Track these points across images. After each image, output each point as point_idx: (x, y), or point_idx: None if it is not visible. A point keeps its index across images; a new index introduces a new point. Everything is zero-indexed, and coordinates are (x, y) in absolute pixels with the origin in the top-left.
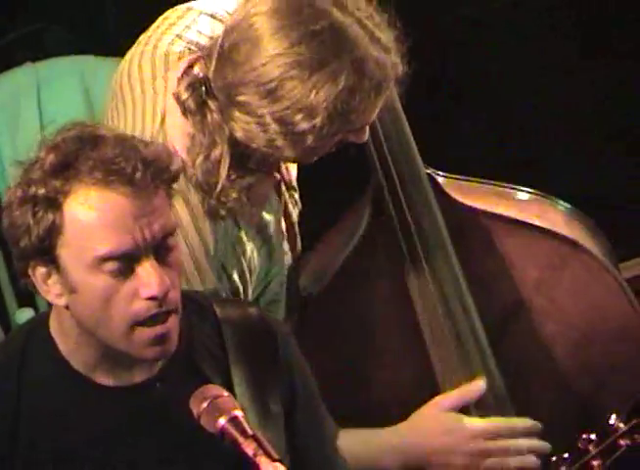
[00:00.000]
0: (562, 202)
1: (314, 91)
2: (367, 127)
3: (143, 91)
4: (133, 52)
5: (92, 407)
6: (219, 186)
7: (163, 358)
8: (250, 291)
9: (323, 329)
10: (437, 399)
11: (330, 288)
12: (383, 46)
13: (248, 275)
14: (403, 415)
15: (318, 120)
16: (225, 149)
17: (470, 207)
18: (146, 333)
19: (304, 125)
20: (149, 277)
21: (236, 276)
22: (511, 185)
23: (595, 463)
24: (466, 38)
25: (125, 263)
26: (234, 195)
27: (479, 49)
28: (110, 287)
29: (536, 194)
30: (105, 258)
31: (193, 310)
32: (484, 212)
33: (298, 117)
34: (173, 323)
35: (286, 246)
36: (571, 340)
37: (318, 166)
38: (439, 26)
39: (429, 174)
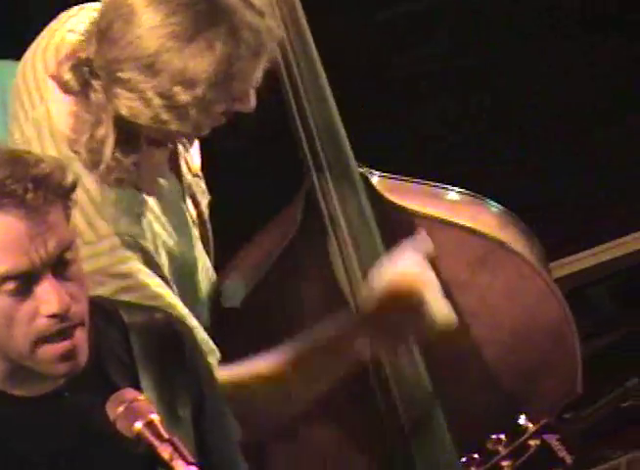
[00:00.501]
0: (494, 203)
1: (192, 62)
2: (253, 94)
3: (37, 88)
4: (27, 54)
5: (7, 419)
6: (103, 164)
7: (74, 373)
8: (163, 261)
9: (252, 328)
10: None
11: (260, 287)
12: (257, 11)
13: (160, 247)
14: (341, 407)
15: (199, 91)
16: (110, 127)
17: (401, 206)
18: (52, 349)
19: (186, 97)
20: (48, 295)
21: (149, 245)
22: (444, 185)
23: (505, 464)
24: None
25: (23, 283)
26: (121, 172)
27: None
28: (9, 307)
29: (469, 195)
30: (2, 279)
31: (99, 317)
32: (414, 212)
33: (179, 88)
34: (81, 337)
35: (196, 232)
36: (502, 341)
37: (252, 166)
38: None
39: (362, 174)
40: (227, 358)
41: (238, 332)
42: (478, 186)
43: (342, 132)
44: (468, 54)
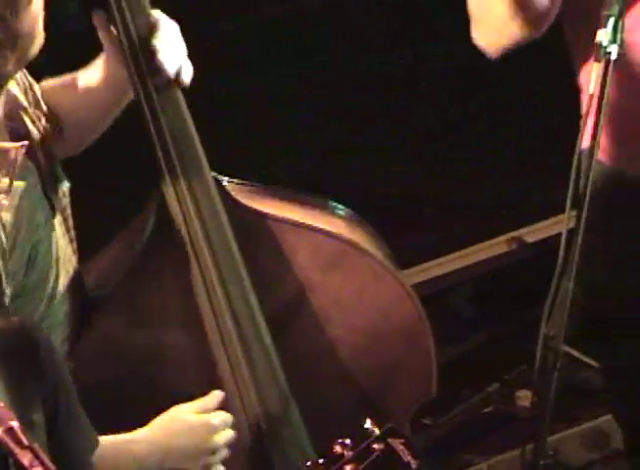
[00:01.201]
0: (341, 206)
1: None
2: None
3: None
4: None
5: None
6: None
7: None
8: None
9: (110, 332)
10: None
11: (117, 290)
12: None
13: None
14: None
15: None
16: None
17: (255, 209)
18: None
19: None
20: None
21: None
22: (293, 191)
23: (348, 468)
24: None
25: None
26: None
27: None
28: None
29: (318, 199)
30: None
31: None
32: (269, 215)
33: None
34: None
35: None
36: (356, 342)
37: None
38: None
39: (215, 178)
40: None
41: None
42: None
43: (196, 136)
44: None
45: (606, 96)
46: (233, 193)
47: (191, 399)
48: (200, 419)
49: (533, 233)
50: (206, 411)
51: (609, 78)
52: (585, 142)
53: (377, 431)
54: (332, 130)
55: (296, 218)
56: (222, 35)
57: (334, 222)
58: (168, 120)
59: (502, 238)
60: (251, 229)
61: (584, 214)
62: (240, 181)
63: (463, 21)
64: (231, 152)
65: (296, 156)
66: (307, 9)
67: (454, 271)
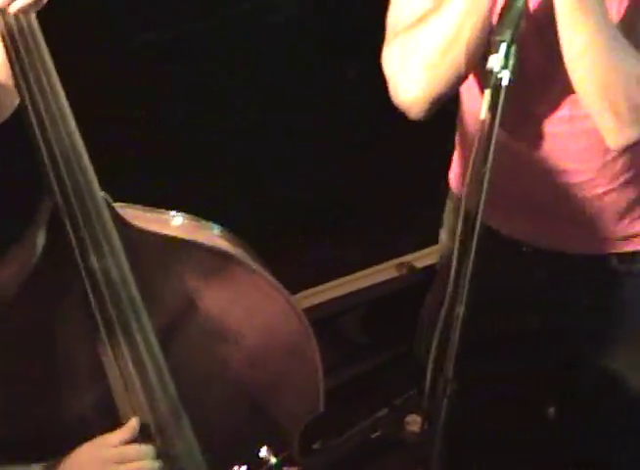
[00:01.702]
0: (216, 225)
1: None
2: None
3: None
4: None
5: None
6: None
7: None
8: None
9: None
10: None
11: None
12: None
13: None
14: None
15: None
16: None
17: (140, 228)
18: None
19: None
20: None
21: None
22: (166, 211)
23: None
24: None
25: None
26: None
27: None
28: None
29: (192, 219)
30: None
31: None
32: (153, 233)
33: None
34: None
35: None
36: (242, 358)
37: None
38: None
39: (104, 198)
40: None
41: None
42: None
43: (85, 156)
44: None
45: (497, 122)
46: (121, 212)
47: (84, 420)
48: (114, 452)
49: (423, 259)
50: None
51: (500, 105)
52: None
53: (273, 459)
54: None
55: (180, 236)
56: None
57: (216, 240)
58: (57, 137)
59: (391, 263)
60: (137, 247)
61: (474, 243)
62: (118, 203)
63: None
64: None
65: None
66: None
67: (343, 296)
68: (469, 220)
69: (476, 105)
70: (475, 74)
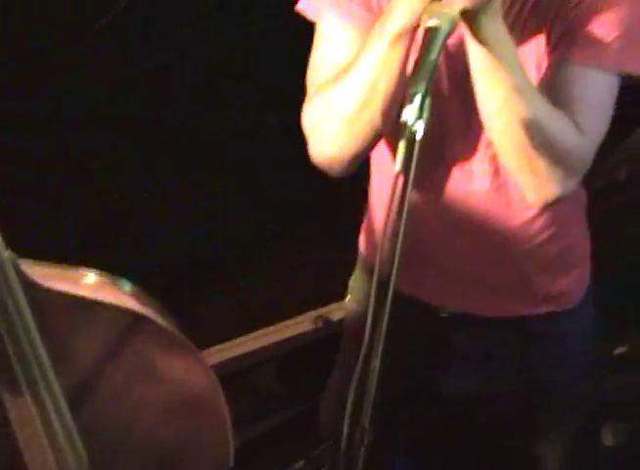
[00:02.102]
0: (128, 283)
1: None
2: None
3: None
4: None
5: None
6: None
7: None
8: None
9: None
10: None
11: None
12: None
13: None
14: None
15: None
16: None
17: (47, 287)
18: None
19: None
20: None
21: None
22: (80, 268)
23: None
24: None
25: None
26: None
27: None
28: None
29: (104, 277)
30: None
31: None
32: (60, 292)
33: None
34: None
35: None
36: (154, 417)
37: None
38: None
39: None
40: None
41: None
42: None
43: None
44: None
45: (411, 177)
46: (28, 271)
47: None
48: None
49: (339, 311)
50: None
51: (414, 158)
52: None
53: None
54: None
55: (90, 295)
56: None
57: (123, 298)
58: None
59: (308, 315)
60: (44, 306)
61: (389, 297)
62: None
63: None
64: None
65: None
66: None
67: (259, 349)
68: (382, 285)
69: (385, 160)
70: (389, 139)
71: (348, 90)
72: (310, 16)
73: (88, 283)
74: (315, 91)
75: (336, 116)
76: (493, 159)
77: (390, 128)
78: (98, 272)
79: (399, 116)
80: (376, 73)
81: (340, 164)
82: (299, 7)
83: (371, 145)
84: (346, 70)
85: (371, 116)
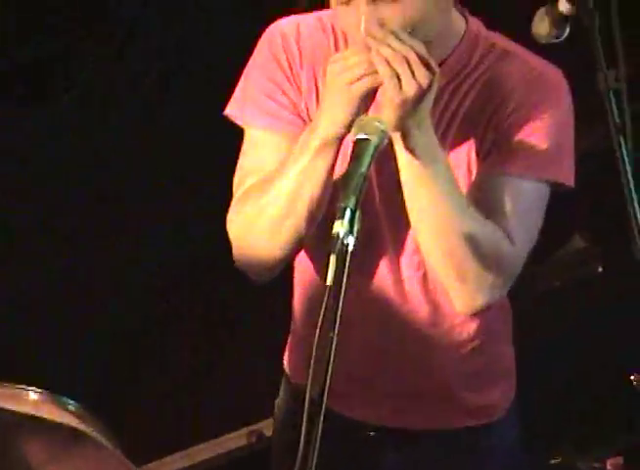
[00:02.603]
0: (71, 401)
1: None
2: None
3: None
4: None
5: None
6: None
7: None
8: None
9: None
10: None
11: None
12: None
13: None
14: None
15: None
16: None
17: None
18: None
19: None
20: None
21: None
22: (22, 386)
23: None
24: None
25: None
26: None
27: None
28: None
29: (47, 395)
30: None
31: None
32: (6, 411)
33: None
34: None
35: None
36: None
37: None
38: None
39: None
40: None
41: None
42: None
43: None
44: None
45: (343, 289)
46: None
47: None
48: None
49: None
50: None
51: (346, 271)
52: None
53: None
54: None
55: (32, 412)
56: None
57: (64, 415)
58: None
59: (242, 431)
60: None
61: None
62: None
63: None
64: None
65: None
66: None
67: (194, 465)
68: (313, 406)
69: (311, 274)
70: (313, 248)
71: (274, 198)
72: (239, 122)
73: (31, 400)
74: (241, 198)
75: (261, 223)
76: (421, 265)
77: (316, 240)
78: (40, 391)
79: (325, 225)
80: (301, 182)
81: (263, 270)
82: (228, 112)
83: (295, 251)
84: (273, 178)
85: (295, 223)
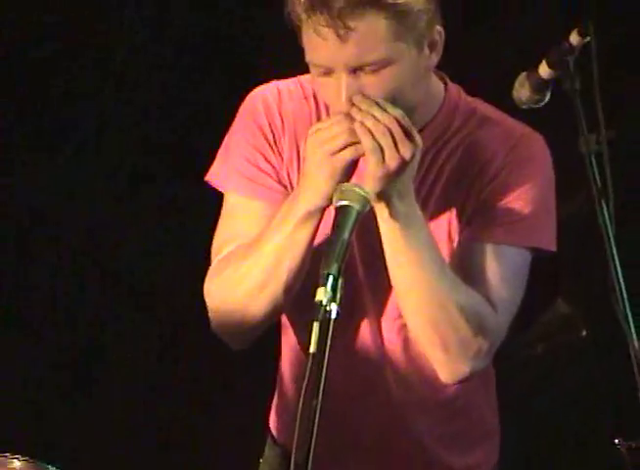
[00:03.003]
0: (54, 468)
1: None
2: None
3: None
4: None
5: None
6: None
7: None
8: None
9: None
10: None
11: None
12: None
13: None
14: None
15: None
16: None
17: None
18: None
19: None
20: None
21: None
22: (5, 455)
23: None
24: None
25: None
26: None
27: None
28: None
29: (30, 462)
30: None
31: None
32: None
33: None
34: None
35: None
36: None
37: None
38: None
39: None
40: None
41: None
42: None
43: None
44: None
45: (326, 356)
46: None
47: None
48: None
49: None
50: None
51: (329, 338)
52: None
53: None
54: None
55: None
56: None
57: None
58: None
59: None
60: None
61: None
62: None
63: None
64: None
65: None
66: None
67: None
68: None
69: (295, 341)
70: (291, 312)
71: (254, 266)
72: (219, 187)
73: (13, 467)
74: (220, 264)
75: (240, 290)
76: (402, 329)
77: (297, 307)
78: (24, 458)
79: (305, 294)
80: (282, 251)
81: (240, 336)
82: (209, 178)
83: (271, 320)
84: (253, 246)
85: (274, 291)
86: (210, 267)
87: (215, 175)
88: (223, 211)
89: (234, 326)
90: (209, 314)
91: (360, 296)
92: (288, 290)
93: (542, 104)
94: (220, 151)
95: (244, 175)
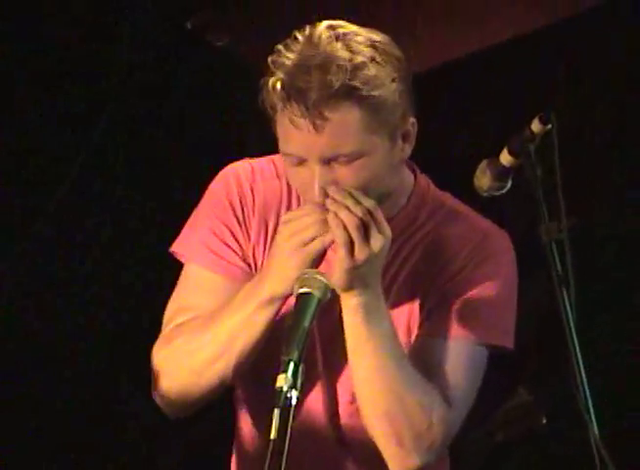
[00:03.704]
0: None
1: None
2: None
3: None
4: None
5: None
6: None
7: None
8: None
9: None
10: None
11: None
12: None
13: None
14: None
15: None
16: None
17: None
18: None
19: None
20: None
21: None
22: None
23: None
24: None
25: None
26: None
27: None
28: None
29: None
30: None
31: None
32: None
33: None
34: None
35: None
36: None
37: None
38: None
39: None
40: None
41: None
42: None
43: None
44: None
45: (287, 442)
46: None
47: None
48: None
49: None
50: None
51: (289, 424)
52: None
53: None
54: None
55: None
56: None
57: None
58: None
59: None
60: None
61: None
62: None
63: None
64: None
65: None
66: None
67: None
68: None
69: (252, 427)
70: (248, 397)
71: (208, 342)
72: (182, 258)
73: None
74: (172, 333)
75: (190, 362)
76: (358, 412)
77: (256, 387)
78: None
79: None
80: (238, 331)
81: (180, 407)
82: (174, 249)
83: (215, 395)
84: (209, 320)
85: (222, 369)
86: (161, 334)
87: (181, 245)
88: (181, 279)
89: (177, 396)
90: (153, 379)
91: (316, 376)
92: (237, 369)
93: (504, 191)
94: (188, 222)
95: (209, 248)
